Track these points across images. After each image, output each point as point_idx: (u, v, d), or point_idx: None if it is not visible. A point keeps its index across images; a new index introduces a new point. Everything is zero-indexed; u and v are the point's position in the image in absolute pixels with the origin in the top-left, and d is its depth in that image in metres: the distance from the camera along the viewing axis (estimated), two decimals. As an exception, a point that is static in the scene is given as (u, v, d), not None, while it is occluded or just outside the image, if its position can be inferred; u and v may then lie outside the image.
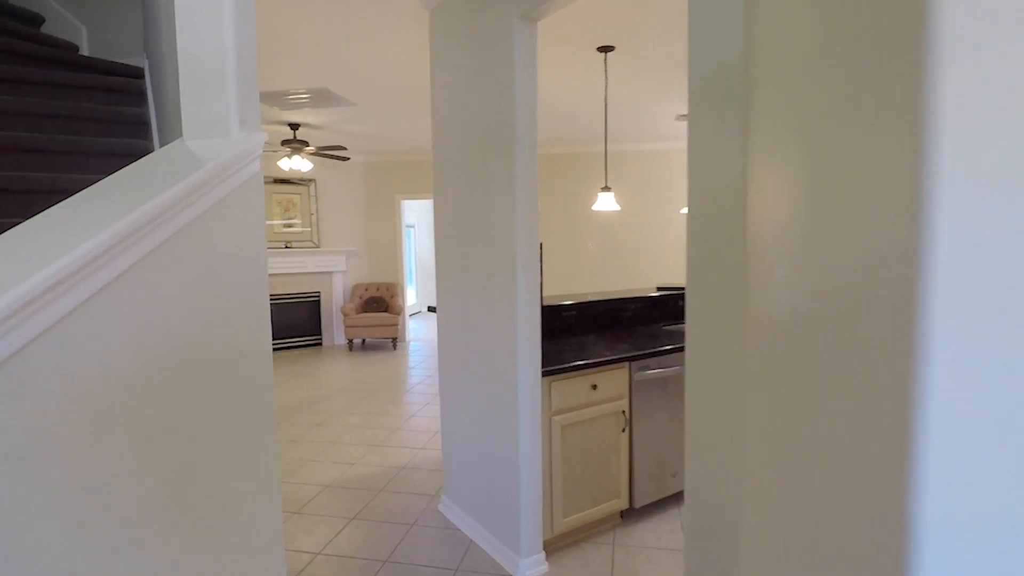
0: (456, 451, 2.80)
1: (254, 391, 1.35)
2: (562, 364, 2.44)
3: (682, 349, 2.84)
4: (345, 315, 7.42)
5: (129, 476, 1.01)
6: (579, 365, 2.47)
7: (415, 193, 8.08)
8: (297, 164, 5.78)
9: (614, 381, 2.60)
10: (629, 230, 7.34)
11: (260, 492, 1.36)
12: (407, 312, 8.30)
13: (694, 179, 1.21)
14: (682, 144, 7.01)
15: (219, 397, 1.24)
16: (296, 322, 7.85)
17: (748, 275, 1.10)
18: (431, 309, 3.06)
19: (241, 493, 1.31)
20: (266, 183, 7.41)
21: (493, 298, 2.43)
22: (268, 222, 7.44)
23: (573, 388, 2.47)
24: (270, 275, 7.46)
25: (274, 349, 8.05)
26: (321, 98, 4.84)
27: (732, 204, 1.12)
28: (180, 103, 1.36)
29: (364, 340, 7.88)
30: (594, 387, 2.53)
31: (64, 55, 2.28)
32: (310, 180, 7.75)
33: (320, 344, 7.97)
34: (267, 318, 1.40)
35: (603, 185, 3.99)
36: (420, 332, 9.05)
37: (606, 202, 3.94)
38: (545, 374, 2.38)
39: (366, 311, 7.73)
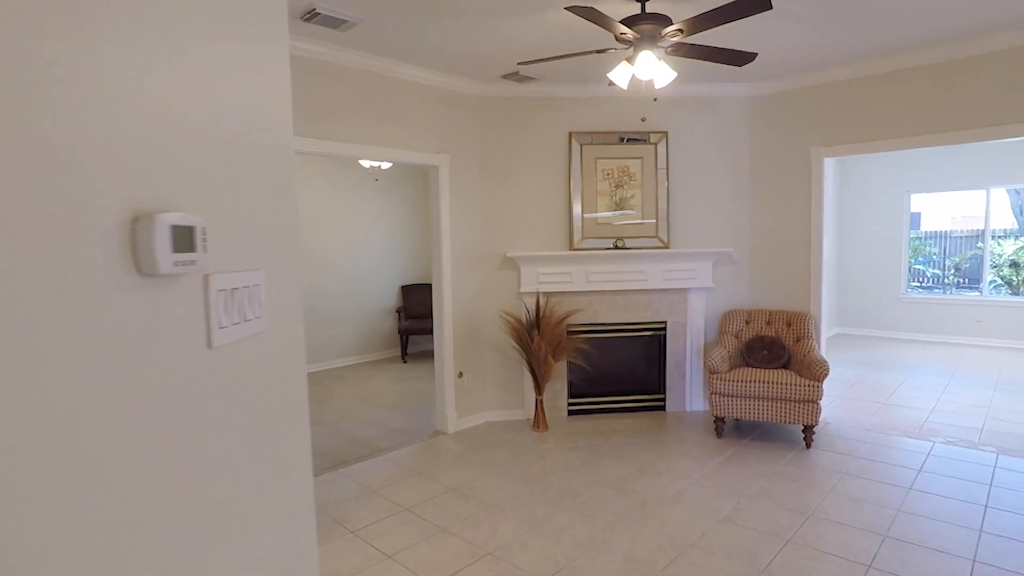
0: None
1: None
2: None
3: None
4: (712, 371, 4.06)
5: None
6: None
7: (858, 138, 4.20)
8: (646, 70, 2.66)
9: None
10: None
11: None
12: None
13: None
14: None
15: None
16: (627, 369, 4.86)
17: None
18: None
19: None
20: (584, 142, 4.54)
21: None
22: (591, 213, 4.57)
23: None
24: (588, 292, 4.63)
25: (593, 410, 4.65)
26: None
27: None
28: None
29: (738, 419, 4.33)
30: None
31: None
32: (653, 133, 4.61)
33: (663, 407, 4.81)
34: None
35: None
36: (832, 400, 5.10)
37: None
38: None
39: (748, 364, 4.24)
